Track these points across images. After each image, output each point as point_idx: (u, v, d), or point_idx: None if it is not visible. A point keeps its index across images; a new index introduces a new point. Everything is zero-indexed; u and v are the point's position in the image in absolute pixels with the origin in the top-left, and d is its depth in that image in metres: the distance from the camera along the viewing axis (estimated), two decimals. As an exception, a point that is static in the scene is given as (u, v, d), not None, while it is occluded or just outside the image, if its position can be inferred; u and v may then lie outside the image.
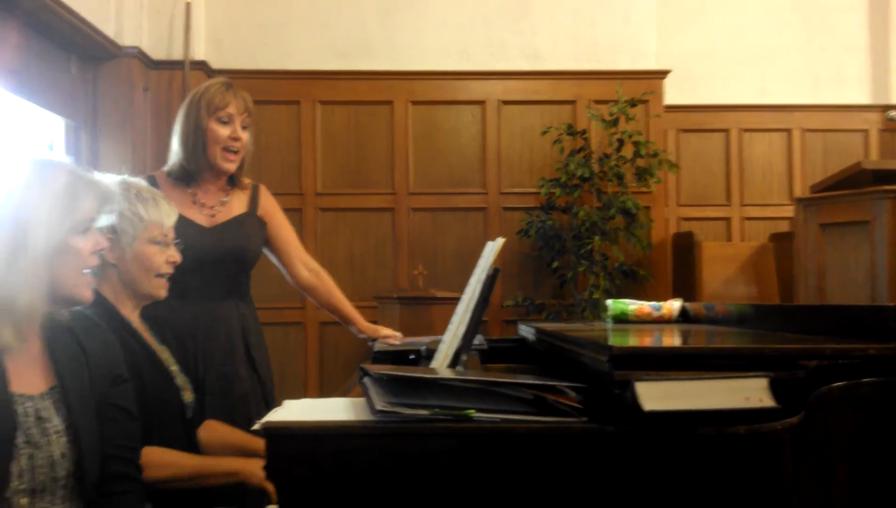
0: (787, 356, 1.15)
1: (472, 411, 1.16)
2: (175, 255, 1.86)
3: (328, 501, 1.10)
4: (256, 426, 1.15)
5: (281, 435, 1.11)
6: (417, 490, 1.11)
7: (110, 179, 1.80)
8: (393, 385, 1.24)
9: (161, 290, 1.84)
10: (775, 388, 1.15)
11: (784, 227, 5.13)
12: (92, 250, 1.40)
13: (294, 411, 1.30)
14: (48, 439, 1.34)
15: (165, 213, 1.83)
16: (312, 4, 4.84)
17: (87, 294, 1.41)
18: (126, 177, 1.85)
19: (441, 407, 1.16)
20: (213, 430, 1.90)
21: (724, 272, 4.61)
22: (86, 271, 1.40)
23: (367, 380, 1.31)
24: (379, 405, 1.15)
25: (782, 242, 4.55)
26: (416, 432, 1.11)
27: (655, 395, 1.06)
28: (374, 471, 1.10)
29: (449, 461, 1.11)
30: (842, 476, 1.21)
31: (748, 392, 1.06)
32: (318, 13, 4.84)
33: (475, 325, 1.52)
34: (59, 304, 1.41)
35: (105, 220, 1.45)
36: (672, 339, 1.52)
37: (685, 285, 4.75)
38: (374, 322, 2.66)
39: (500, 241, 1.61)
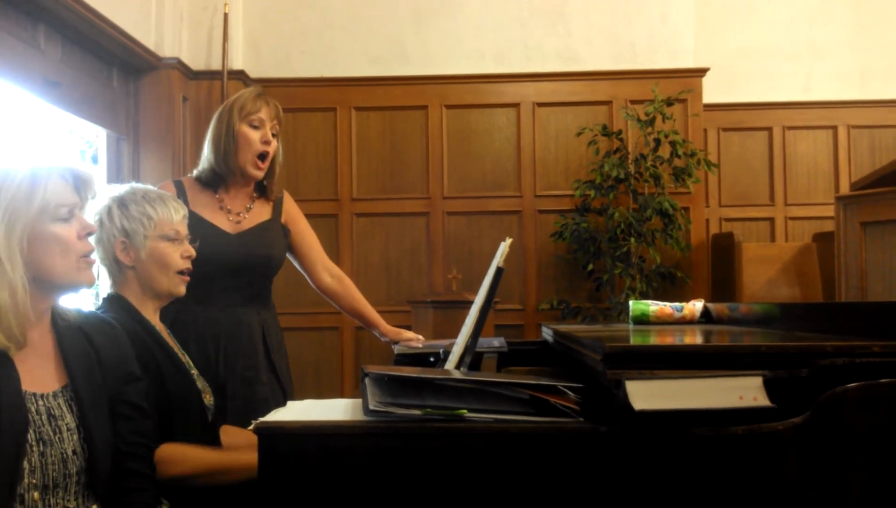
0: (784, 353, 1.11)
1: (464, 411, 1.15)
2: (189, 249, 1.88)
3: (319, 500, 1.11)
4: (251, 427, 1.16)
5: (272, 434, 1.12)
6: (408, 489, 1.10)
7: (117, 187, 1.85)
8: (391, 385, 1.24)
9: (180, 287, 1.86)
10: (778, 387, 1.11)
11: (830, 227, 4.97)
12: (79, 235, 1.42)
13: (294, 411, 1.32)
14: (60, 436, 1.38)
15: (173, 208, 1.86)
16: (347, 12, 4.90)
17: (86, 277, 1.43)
18: (133, 183, 1.90)
19: (434, 407, 1.16)
20: (232, 434, 1.92)
21: (765, 274, 4.49)
22: (82, 255, 1.42)
23: (366, 380, 1.32)
24: (371, 405, 1.15)
25: (826, 242, 4.42)
26: (406, 431, 1.11)
27: (646, 394, 1.04)
28: (363, 471, 1.10)
29: (440, 461, 1.11)
30: (857, 482, 1.16)
31: (742, 391, 1.04)
32: (352, 20, 4.89)
33: (479, 325, 1.51)
34: (57, 293, 1.43)
35: (94, 208, 1.45)
36: (680, 338, 1.49)
37: (725, 288, 4.65)
38: (408, 327, 2.66)
39: (508, 241, 1.60)
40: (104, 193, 1.84)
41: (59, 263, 1.39)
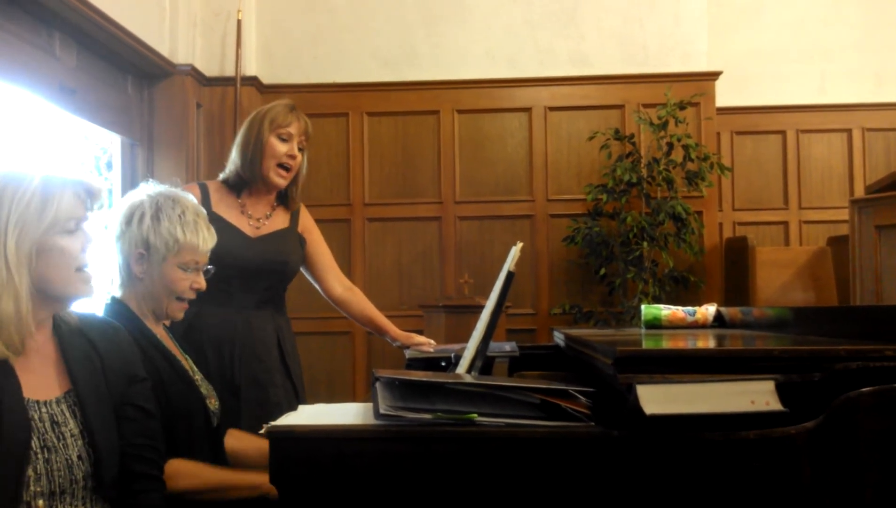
0: (797, 357, 1.10)
1: (475, 415, 1.15)
2: (201, 282, 1.85)
3: (330, 504, 1.11)
4: (262, 431, 1.17)
5: (284, 438, 1.12)
6: (419, 493, 1.10)
7: (158, 191, 1.83)
8: (402, 390, 1.24)
9: (179, 313, 1.85)
10: (791, 392, 1.11)
11: (844, 230, 4.93)
12: (82, 249, 1.41)
13: (305, 415, 1.32)
14: (64, 442, 1.37)
15: (203, 239, 1.82)
16: (359, 17, 4.91)
17: (82, 289, 1.42)
18: (178, 191, 1.86)
19: (444, 411, 1.16)
20: (238, 438, 1.93)
21: (779, 278, 4.46)
22: (80, 268, 1.41)
23: (377, 384, 1.32)
24: (382, 409, 1.16)
25: (841, 246, 4.39)
26: (417, 435, 1.11)
27: (658, 398, 1.04)
28: (374, 474, 1.10)
29: (451, 465, 1.11)
30: (871, 488, 1.15)
31: (754, 395, 1.03)
32: (364, 26, 4.91)
33: (491, 330, 1.51)
34: (56, 304, 1.43)
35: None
36: (692, 343, 1.49)
37: (739, 292, 4.62)
38: (420, 331, 2.67)
39: (519, 245, 1.60)
40: (144, 188, 1.83)
41: (61, 275, 1.39)
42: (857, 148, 5.35)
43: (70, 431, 1.39)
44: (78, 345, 1.47)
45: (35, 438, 1.34)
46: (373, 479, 1.11)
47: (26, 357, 1.38)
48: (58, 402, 1.41)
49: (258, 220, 2.38)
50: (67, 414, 1.41)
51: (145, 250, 1.78)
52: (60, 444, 1.37)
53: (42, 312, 1.41)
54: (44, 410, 1.38)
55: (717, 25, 5.06)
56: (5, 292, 1.32)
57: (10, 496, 1.28)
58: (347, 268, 4.66)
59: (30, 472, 1.32)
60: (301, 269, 2.50)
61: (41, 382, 1.40)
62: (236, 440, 1.91)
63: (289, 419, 1.24)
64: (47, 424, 1.37)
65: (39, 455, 1.34)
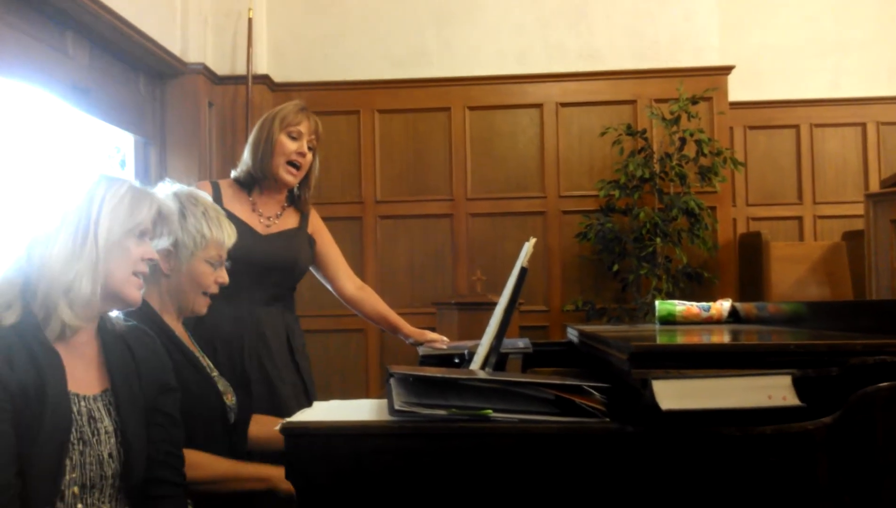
0: (813, 352, 1.09)
1: (489, 411, 1.15)
2: (224, 276, 1.91)
3: (346, 500, 1.11)
4: (277, 427, 1.17)
5: (299, 434, 1.13)
6: (434, 489, 1.10)
7: (177, 190, 1.87)
8: (416, 386, 1.24)
9: (203, 307, 1.90)
10: (808, 387, 1.10)
11: (859, 225, 4.90)
12: (142, 257, 1.50)
13: (320, 411, 1.33)
14: (98, 438, 1.43)
15: (227, 234, 1.90)
16: (370, 16, 4.91)
17: (135, 295, 1.50)
18: (195, 190, 1.92)
19: (459, 407, 1.16)
20: (262, 423, 1.94)
21: (794, 273, 4.43)
22: (135, 274, 1.50)
23: (392, 381, 1.32)
24: (397, 405, 1.16)
25: (856, 240, 4.35)
26: (431, 431, 1.11)
27: (673, 393, 1.03)
28: (390, 470, 1.10)
29: (466, 461, 1.10)
30: (890, 483, 1.14)
31: (771, 390, 1.02)
32: (375, 24, 4.91)
33: (504, 326, 1.51)
34: (110, 301, 1.49)
35: (163, 242, 1.56)
36: (707, 338, 1.48)
37: (753, 288, 4.59)
38: (433, 328, 2.67)
39: (532, 241, 1.59)
40: (164, 186, 1.89)
41: (122, 272, 1.47)
42: (871, 142, 5.30)
43: (105, 428, 1.44)
44: (118, 348, 1.53)
45: (74, 429, 1.39)
46: (387, 474, 1.11)
47: (71, 352, 1.44)
48: (95, 399, 1.46)
49: (269, 218, 2.40)
50: (103, 412, 1.46)
51: (173, 246, 1.81)
52: (95, 439, 1.42)
53: (97, 307, 1.47)
54: (83, 404, 1.43)
55: (728, 20, 5.03)
56: (89, 272, 1.41)
57: (49, 480, 1.33)
58: (360, 266, 4.67)
59: (66, 461, 1.37)
60: (312, 270, 2.52)
61: (83, 377, 1.46)
62: (260, 425, 1.92)
63: (304, 416, 1.24)
64: (85, 418, 1.42)
65: (76, 447, 1.39)
